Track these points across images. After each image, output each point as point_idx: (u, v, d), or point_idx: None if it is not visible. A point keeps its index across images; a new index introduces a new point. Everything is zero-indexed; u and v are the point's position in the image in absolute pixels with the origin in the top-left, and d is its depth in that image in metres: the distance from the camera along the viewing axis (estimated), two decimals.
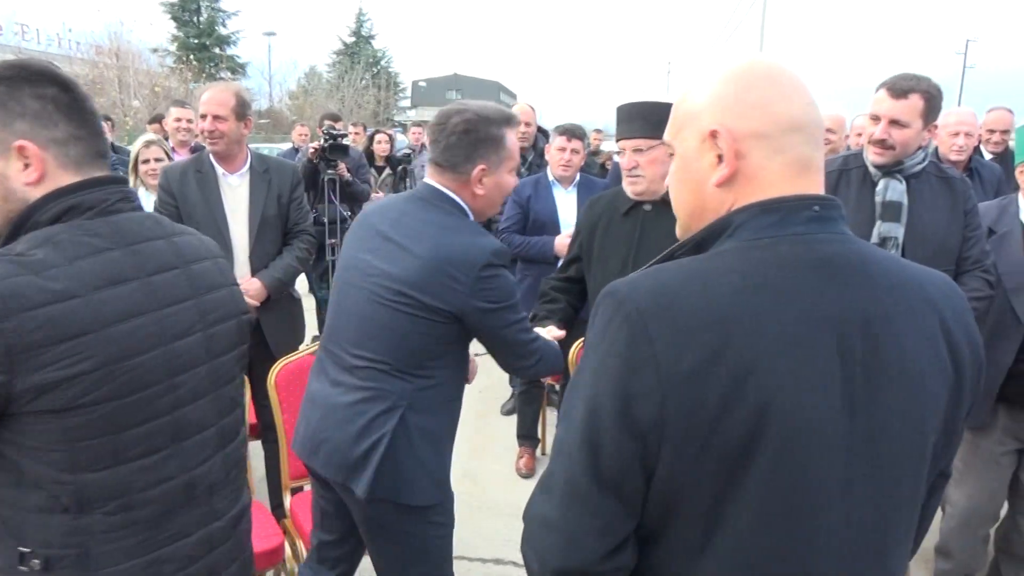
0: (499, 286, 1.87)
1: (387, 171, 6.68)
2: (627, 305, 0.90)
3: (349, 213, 5.53)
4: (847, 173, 2.63)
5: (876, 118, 2.50)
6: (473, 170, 1.91)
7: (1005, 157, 4.15)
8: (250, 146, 3.23)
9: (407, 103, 56.06)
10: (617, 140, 2.51)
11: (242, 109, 3.05)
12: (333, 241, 5.23)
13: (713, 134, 0.98)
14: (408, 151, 7.18)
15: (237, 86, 3.24)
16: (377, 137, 6.85)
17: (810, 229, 0.94)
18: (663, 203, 2.47)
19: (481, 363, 2.23)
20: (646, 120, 2.40)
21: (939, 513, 3.05)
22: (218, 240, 2.99)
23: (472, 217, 1.97)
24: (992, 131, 4.32)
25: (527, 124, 4.95)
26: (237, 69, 37.98)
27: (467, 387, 2.09)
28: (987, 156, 4.27)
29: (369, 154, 6.67)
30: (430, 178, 1.98)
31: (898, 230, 2.52)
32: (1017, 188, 2.84)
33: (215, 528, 1.41)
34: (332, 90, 41.59)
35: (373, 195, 6.47)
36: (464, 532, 2.76)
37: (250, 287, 3.03)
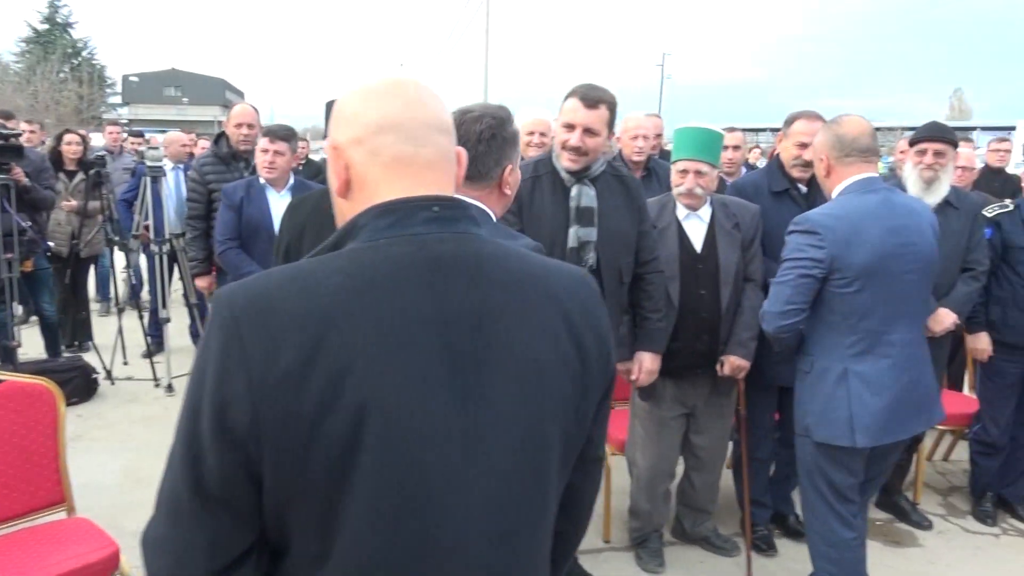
0: None
1: (80, 176, 5.99)
2: (224, 310, 0.89)
3: (30, 223, 4.89)
4: (539, 180, 2.75)
5: (571, 126, 2.64)
6: (503, 172, 1.88)
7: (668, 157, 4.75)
8: None
9: (118, 99, 50.95)
10: (326, 137, 2.43)
11: None
12: (10, 256, 4.60)
13: (331, 148, 1.04)
14: (104, 153, 6.50)
15: None
16: (67, 137, 6.09)
17: (429, 229, 0.95)
18: None
19: None
20: None
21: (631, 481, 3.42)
22: None
23: (495, 220, 1.95)
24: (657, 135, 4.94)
25: (249, 126, 4.74)
26: None
27: None
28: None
29: (58, 156, 5.95)
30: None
31: (593, 233, 2.71)
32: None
33: None
34: (22, 83, 36.49)
35: (63, 203, 5.79)
36: None
37: None
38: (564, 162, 2.71)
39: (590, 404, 1.06)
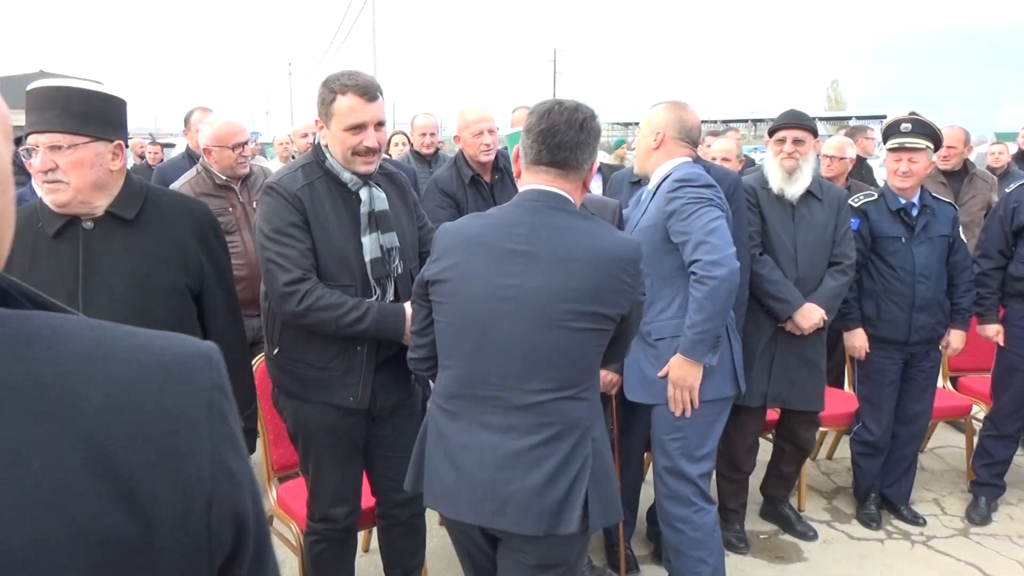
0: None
1: None
2: None
3: None
4: (312, 186, 2.26)
5: (360, 126, 2.20)
6: (592, 167, 1.90)
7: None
8: None
9: None
10: (28, 134, 1.88)
11: None
12: None
13: None
14: None
15: None
16: None
17: None
18: (111, 216, 2.00)
19: None
20: (65, 110, 1.84)
21: None
22: None
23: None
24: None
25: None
26: None
27: None
28: None
29: None
30: (544, 183, 1.85)
31: (395, 238, 2.33)
32: None
33: None
34: None
35: None
36: None
37: None
38: (359, 167, 2.27)
39: None
